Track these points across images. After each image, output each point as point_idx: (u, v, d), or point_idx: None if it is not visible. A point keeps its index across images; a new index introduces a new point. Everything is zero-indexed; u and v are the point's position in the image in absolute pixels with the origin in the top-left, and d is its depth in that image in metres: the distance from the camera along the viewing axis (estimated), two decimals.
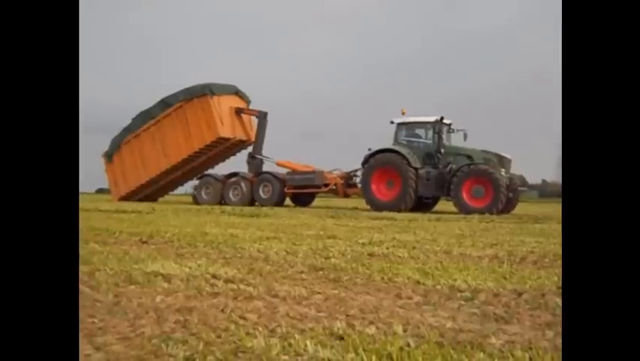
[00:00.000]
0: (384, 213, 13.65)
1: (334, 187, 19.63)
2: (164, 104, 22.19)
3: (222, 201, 20.55)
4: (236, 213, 13.04)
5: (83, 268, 3.96)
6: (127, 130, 23.09)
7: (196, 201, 21.29)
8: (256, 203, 19.85)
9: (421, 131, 17.74)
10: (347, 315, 2.86)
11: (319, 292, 3.38)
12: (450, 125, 17.78)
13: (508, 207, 16.83)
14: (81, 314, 2.81)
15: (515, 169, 17.47)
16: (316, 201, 22.52)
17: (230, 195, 20.51)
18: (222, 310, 2.92)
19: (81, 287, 3.35)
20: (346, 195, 19.79)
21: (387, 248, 5.52)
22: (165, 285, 3.48)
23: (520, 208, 19.25)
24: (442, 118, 17.05)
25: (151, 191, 23.70)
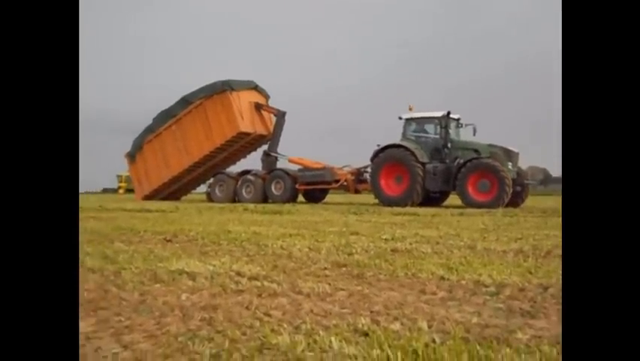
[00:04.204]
0: (407, 209, 13.59)
1: (345, 183, 19.67)
2: (185, 101, 22.36)
3: (236, 198, 20.66)
4: (259, 210, 13.09)
5: (109, 267, 4.01)
6: (148, 130, 23.32)
7: (210, 198, 21.47)
8: (269, 200, 19.91)
9: (428, 127, 17.74)
10: (371, 311, 2.86)
11: (343, 289, 3.38)
12: (458, 119, 17.72)
13: (517, 200, 16.70)
14: (108, 313, 2.85)
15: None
16: (339, 197, 22.53)
17: (243, 193, 20.67)
18: (247, 308, 2.93)
19: (108, 286, 3.39)
20: (357, 191, 19.83)
21: (411, 244, 5.49)
22: (190, 283, 3.51)
23: (538, 201, 19.04)
24: (448, 113, 16.99)
25: (174, 189, 23.91)
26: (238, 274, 3.82)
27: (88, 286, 3.41)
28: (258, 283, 3.48)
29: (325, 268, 4.14)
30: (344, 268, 4.12)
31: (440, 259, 4.49)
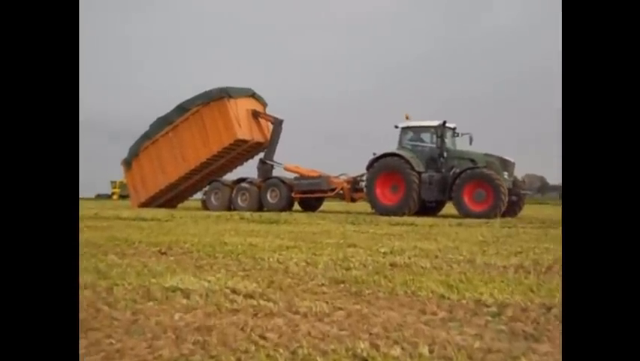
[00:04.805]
0: (405, 219, 13.50)
1: (341, 192, 19.58)
2: (181, 109, 22.24)
3: (231, 206, 20.54)
4: (256, 219, 12.99)
5: (101, 283, 3.92)
6: (145, 136, 23.18)
7: (205, 206, 21.35)
8: (264, 208, 19.80)
9: (424, 136, 17.69)
10: (370, 333, 2.77)
11: (341, 308, 3.29)
12: (454, 129, 17.69)
13: (514, 209, 16.66)
14: (99, 335, 2.76)
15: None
16: (335, 205, 22.44)
17: (239, 201, 20.52)
18: (242, 329, 2.85)
19: (99, 304, 3.30)
20: (353, 200, 19.70)
21: (409, 258, 5.41)
22: (184, 301, 3.41)
23: (535, 210, 18.99)
24: (444, 122, 16.96)
25: (170, 196, 23.77)
26: (233, 291, 3.73)
27: (80, 304, 3.31)
28: (254, 302, 3.39)
29: (323, 285, 4.06)
30: (342, 285, 4.03)
31: (440, 275, 4.41)
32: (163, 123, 22.71)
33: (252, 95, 22.83)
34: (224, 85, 21.60)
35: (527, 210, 18.93)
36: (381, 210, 16.73)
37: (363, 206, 18.46)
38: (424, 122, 17.60)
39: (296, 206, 21.12)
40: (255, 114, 22.34)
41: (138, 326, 2.90)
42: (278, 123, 22.11)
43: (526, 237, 8.36)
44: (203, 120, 21.66)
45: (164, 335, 2.72)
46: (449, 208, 17.39)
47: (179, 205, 25.25)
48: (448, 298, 3.53)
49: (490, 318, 3.10)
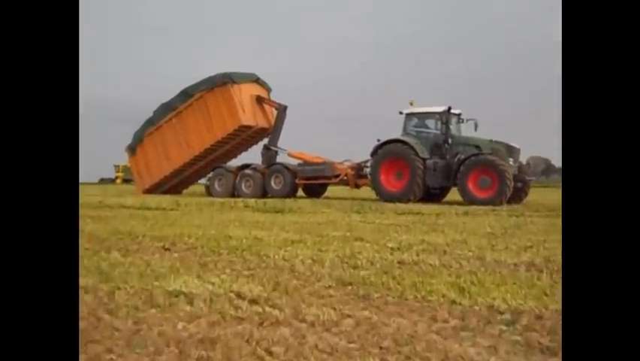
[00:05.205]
0: (410, 207, 13.38)
1: (345, 178, 19.44)
2: (185, 94, 22.10)
3: (235, 192, 20.44)
4: (260, 208, 12.89)
5: (102, 287, 3.83)
6: (149, 122, 23.07)
7: (209, 193, 21.26)
8: (268, 195, 19.69)
9: (429, 122, 17.53)
10: (380, 347, 2.67)
11: (349, 315, 3.19)
12: (459, 115, 17.49)
13: (520, 195, 16.54)
14: (99, 348, 2.67)
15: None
16: (339, 191, 22.32)
17: (243, 187, 20.41)
18: (247, 341, 2.75)
19: (100, 313, 3.21)
20: (357, 186, 19.57)
21: (417, 254, 5.30)
22: (187, 308, 3.32)
23: (541, 194, 18.86)
24: (449, 108, 16.74)
25: (175, 183, 23.70)
26: (238, 295, 3.63)
27: (80, 311, 3.22)
28: (259, 309, 3.29)
29: (329, 287, 3.96)
30: (349, 287, 3.93)
31: (450, 275, 4.30)
32: (167, 109, 22.58)
33: (256, 80, 22.65)
34: (223, 69, 21.47)
35: (533, 195, 18.76)
36: (385, 197, 16.62)
37: (367, 192, 18.33)
38: (429, 109, 17.42)
39: (300, 192, 21.01)
40: (259, 100, 22.17)
41: (140, 338, 2.81)
42: (282, 109, 21.94)
43: (534, 228, 8.23)
44: (207, 106, 21.53)
45: (167, 349, 2.63)
46: (454, 194, 17.25)
47: (184, 191, 25.19)
48: (460, 304, 3.42)
49: (504, 327, 2.99)
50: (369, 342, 2.73)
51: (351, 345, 2.70)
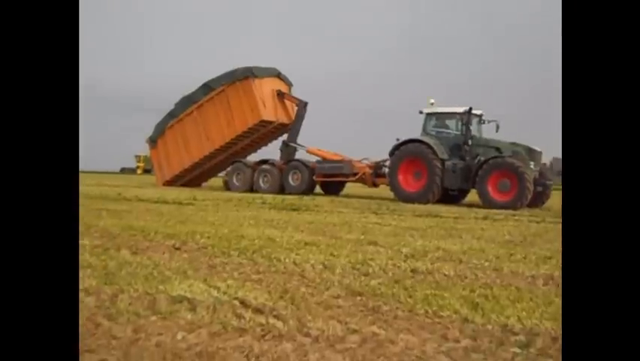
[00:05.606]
0: (429, 209, 13.16)
1: (363, 177, 19.26)
2: (207, 87, 22.11)
3: (253, 187, 20.41)
4: (277, 205, 12.81)
5: (106, 290, 3.75)
6: (170, 115, 23.13)
7: (227, 187, 21.25)
8: (286, 191, 19.61)
9: (449, 122, 17.18)
10: None
11: (356, 330, 3.07)
12: (481, 116, 17.15)
13: (542, 199, 16.28)
14: (95, 357, 2.58)
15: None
16: (358, 189, 22.15)
17: (261, 182, 20.36)
18: (246, 356, 2.64)
19: (99, 319, 3.12)
20: (375, 185, 19.35)
21: (432, 263, 5.14)
22: (189, 316, 3.22)
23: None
24: (470, 109, 16.42)
25: (194, 175, 23.75)
26: (243, 303, 3.53)
27: (80, 317, 3.14)
28: (263, 320, 3.18)
29: (338, 297, 3.84)
30: (359, 298, 3.80)
31: (464, 288, 4.14)
32: (188, 102, 22.62)
33: (278, 75, 22.57)
34: (245, 64, 21.43)
35: (556, 198, 18.39)
36: (403, 197, 16.40)
37: (386, 191, 18.11)
38: (449, 109, 17.11)
39: (318, 189, 20.89)
40: (280, 95, 22.07)
41: (137, 349, 2.72)
42: (302, 106, 21.80)
43: (554, 235, 8.00)
44: (227, 100, 21.50)
45: None
46: (474, 195, 16.97)
47: (204, 184, 25.23)
48: (472, 322, 3.27)
49: (517, 350, 2.85)
50: None
51: None
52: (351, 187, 22.02)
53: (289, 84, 23.08)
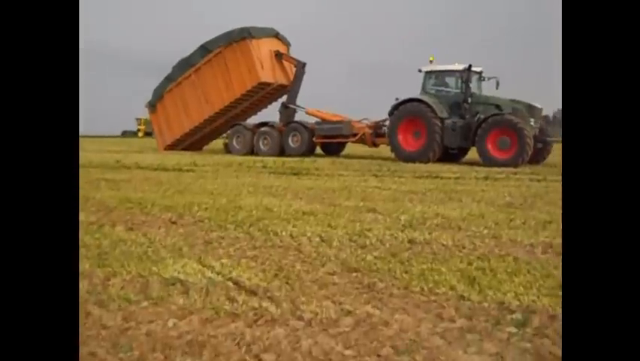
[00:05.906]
0: (429, 169, 13.05)
1: (363, 137, 19.12)
2: (204, 50, 21.72)
3: (253, 150, 20.33)
4: (278, 169, 12.74)
5: (97, 273, 3.71)
6: (168, 79, 22.81)
7: (228, 150, 21.17)
8: (286, 153, 19.52)
9: (449, 80, 16.96)
10: (378, 355, 2.50)
11: (350, 312, 3.03)
12: (480, 73, 16.89)
13: (543, 155, 16.24)
14: (83, 349, 2.55)
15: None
16: (359, 148, 22.00)
17: (261, 145, 20.28)
18: (238, 344, 2.61)
19: (89, 307, 3.08)
20: (375, 145, 19.22)
21: (430, 233, 5.09)
22: (181, 301, 3.18)
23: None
24: (470, 66, 16.14)
25: (195, 139, 23.60)
26: (236, 284, 3.49)
27: None
28: (256, 304, 3.13)
29: (334, 273, 3.79)
30: (354, 274, 3.76)
31: (461, 260, 4.09)
32: (185, 65, 22.27)
33: (276, 35, 22.15)
34: (245, 23, 21.01)
35: (557, 153, 18.28)
36: (403, 157, 16.32)
37: (387, 150, 17.98)
38: (449, 66, 16.83)
39: (318, 150, 20.78)
40: (278, 56, 21.71)
41: (127, 338, 2.68)
42: (301, 66, 21.46)
43: (555, 196, 7.92)
44: (225, 62, 21.16)
45: (152, 355, 2.49)
46: (474, 153, 16.86)
47: (205, 147, 25.11)
48: (469, 300, 3.22)
49: (513, 330, 2.80)
50: (366, 349, 2.57)
51: (347, 352, 2.54)
52: (351, 147, 21.90)
53: (287, 44, 22.68)
